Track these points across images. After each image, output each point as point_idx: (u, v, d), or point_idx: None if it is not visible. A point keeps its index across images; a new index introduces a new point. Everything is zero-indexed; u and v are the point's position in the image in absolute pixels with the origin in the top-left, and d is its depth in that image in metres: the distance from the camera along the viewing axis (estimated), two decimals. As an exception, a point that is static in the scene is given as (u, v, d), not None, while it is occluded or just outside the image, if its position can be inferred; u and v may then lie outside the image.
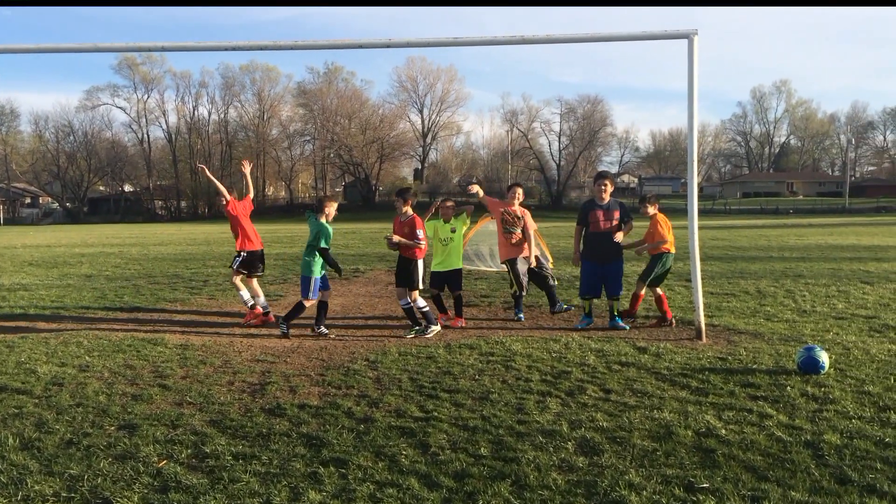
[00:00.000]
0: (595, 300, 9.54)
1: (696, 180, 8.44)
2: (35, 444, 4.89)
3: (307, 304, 8.96)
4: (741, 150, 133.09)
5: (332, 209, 9.17)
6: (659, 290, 9.42)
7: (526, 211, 9.98)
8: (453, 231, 9.66)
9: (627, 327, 9.17)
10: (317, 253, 8.85)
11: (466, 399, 5.91)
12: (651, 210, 9.32)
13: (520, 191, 10.09)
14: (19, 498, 4.02)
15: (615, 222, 9.23)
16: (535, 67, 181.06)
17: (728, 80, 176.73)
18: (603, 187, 9.34)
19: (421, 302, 9.03)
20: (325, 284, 9.14)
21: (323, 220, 9.00)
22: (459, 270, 9.80)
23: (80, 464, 4.54)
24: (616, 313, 9.34)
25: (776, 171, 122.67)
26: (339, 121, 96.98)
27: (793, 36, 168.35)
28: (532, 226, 9.98)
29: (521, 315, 9.93)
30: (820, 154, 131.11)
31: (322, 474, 4.34)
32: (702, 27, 8.06)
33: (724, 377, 6.49)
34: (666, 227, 9.22)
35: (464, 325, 9.48)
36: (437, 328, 8.94)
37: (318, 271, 8.96)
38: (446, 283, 9.74)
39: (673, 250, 9.32)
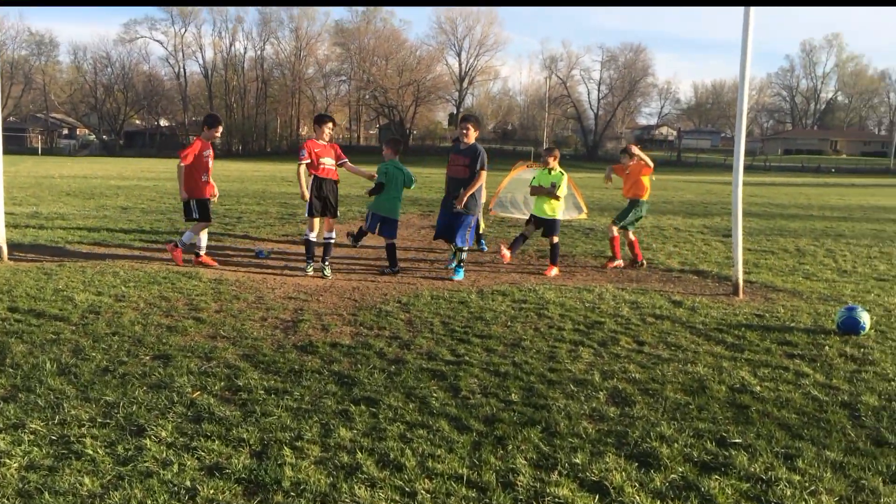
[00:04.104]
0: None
1: (743, 135, 8.17)
2: (72, 370, 4.96)
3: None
4: (786, 106, 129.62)
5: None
6: (631, 235, 10.11)
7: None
8: (554, 185, 9.54)
9: (461, 277, 8.84)
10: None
11: (498, 345, 5.89)
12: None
13: None
14: (56, 421, 4.08)
15: (465, 169, 8.78)
16: (575, 12, 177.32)
17: (776, 31, 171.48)
18: (465, 130, 8.87)
19: (311, 235, 9.07)
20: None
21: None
22: (556, 220, 9.70)
23: (116, 391, 4.60)
24: (458, 262, 9.01)
25: (820, 129, 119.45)
26: (375, 61, 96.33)
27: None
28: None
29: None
30: (867, 112, 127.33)
31: (353, 412, 4.35)
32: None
33: (760, 334, 6.38)
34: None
35: (557, 273, 9.36)
36: (309, 269, 8.91)
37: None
38: (544, 227, 9.70)
39: (646, 198, 10.05)
